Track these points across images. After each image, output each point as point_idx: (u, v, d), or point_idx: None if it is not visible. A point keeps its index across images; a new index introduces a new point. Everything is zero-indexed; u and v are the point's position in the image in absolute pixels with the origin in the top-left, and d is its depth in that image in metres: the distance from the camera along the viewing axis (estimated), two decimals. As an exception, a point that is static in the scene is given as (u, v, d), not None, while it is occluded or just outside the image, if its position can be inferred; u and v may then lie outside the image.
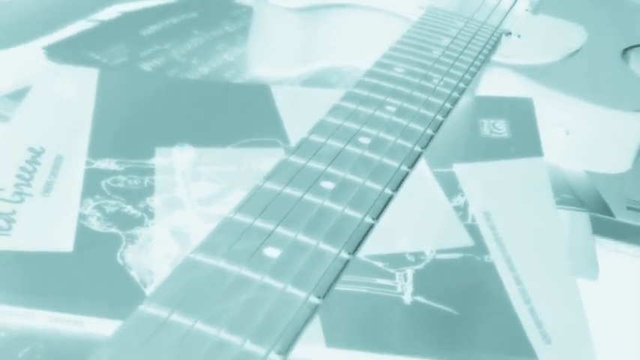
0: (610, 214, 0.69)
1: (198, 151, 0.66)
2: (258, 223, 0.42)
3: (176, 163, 0.65)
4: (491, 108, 0.75)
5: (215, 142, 0.68)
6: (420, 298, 0.55)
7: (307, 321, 0.37)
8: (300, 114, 0.72)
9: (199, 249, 0.39)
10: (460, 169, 0.67)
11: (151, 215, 0.59)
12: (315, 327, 0.51)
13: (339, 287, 0.39)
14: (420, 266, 0.58)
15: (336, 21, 0.88)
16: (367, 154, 0.49)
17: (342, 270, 0.40)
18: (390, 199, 0.46)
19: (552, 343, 0.53)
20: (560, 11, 0.91)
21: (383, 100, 0.57)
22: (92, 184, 0.62)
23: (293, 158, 0.48)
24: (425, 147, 0.52)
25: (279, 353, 0.34)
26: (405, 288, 0.56)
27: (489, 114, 0.74)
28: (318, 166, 0.47)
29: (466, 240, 0.61)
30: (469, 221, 0.62)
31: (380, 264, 0.57)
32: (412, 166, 0.50)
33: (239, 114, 0.72)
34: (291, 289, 0.38)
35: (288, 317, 0.36)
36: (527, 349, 0.52)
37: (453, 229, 0.62)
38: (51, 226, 0.57)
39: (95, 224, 0.58)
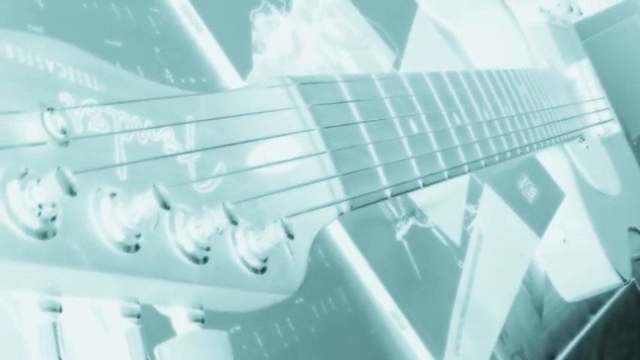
0: (540, 316, 0.78)
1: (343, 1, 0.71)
2: (414, 98, 0.47)
3: (325, -9, 0.69)
4: (536, 174, 0.82)
5: (357, 6, 0.72)
6: (406, 244, 0.61)
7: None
8: (421, 49, 0.77)
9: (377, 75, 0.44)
10: (487, 191, 0.74)
11: (288, 8, 0.64)
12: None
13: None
14: (419, 223, 0.64)
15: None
16: (452, 132, 0.50)
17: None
18: (441, 180, 0.47)
19: (459, 356, 0.60)
20: (615, 157, 0.99)
21: (483, 102, 0.58)
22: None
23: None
24: (487, 165, 0.56)
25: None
26: (401, 226, 0.62)
27: (531, 176, 0.81)
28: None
29: (456, 238, 0.67)
30: (467, 228, 0.69)
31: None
32: (472, 170, 0.52)
33: (383, 3, 0.77)
34: (413, 162, 0.43)
35: (408, 177, 0.42)
36: (440, 346, 0.59)
37: (453, 223, 0.68)
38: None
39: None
